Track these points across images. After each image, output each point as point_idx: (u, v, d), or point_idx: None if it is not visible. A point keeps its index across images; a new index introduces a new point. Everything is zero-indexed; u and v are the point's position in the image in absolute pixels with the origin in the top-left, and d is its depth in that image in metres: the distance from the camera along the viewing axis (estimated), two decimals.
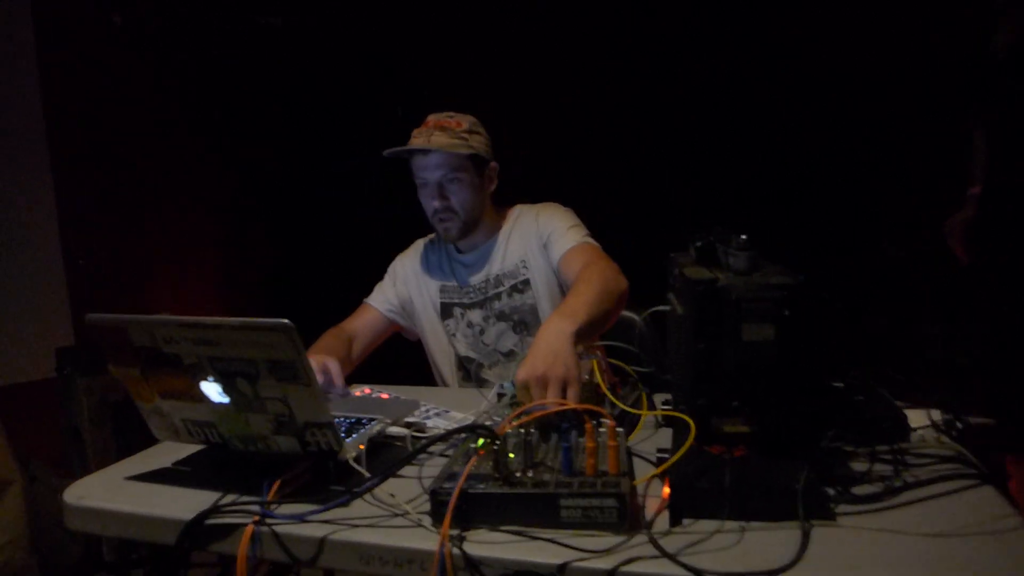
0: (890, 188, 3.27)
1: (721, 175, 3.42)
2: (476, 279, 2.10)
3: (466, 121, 2.00)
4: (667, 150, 3.50)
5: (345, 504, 1.18)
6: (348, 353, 2.02)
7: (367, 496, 1.21)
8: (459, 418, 1.55)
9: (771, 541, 1.01)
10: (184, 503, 1.21)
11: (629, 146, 3.56)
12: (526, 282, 2.05)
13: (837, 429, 1.25)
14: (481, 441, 1.19)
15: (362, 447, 1.32)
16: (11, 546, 2.37)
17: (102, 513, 1.28)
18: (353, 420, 1.46)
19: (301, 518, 1.14)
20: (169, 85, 3.75)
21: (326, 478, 1.25)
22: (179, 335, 1.22)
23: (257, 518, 1.14)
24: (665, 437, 1.36)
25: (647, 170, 3.52)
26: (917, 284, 3.13)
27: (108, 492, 1.33)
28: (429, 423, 1.52)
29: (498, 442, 1.13)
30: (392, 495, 1.18)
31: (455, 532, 1.06)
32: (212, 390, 1.26)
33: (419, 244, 2.25)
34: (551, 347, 1.43)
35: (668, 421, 1.45)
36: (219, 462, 1.38)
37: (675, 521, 1.08)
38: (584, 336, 1.52)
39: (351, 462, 1.26)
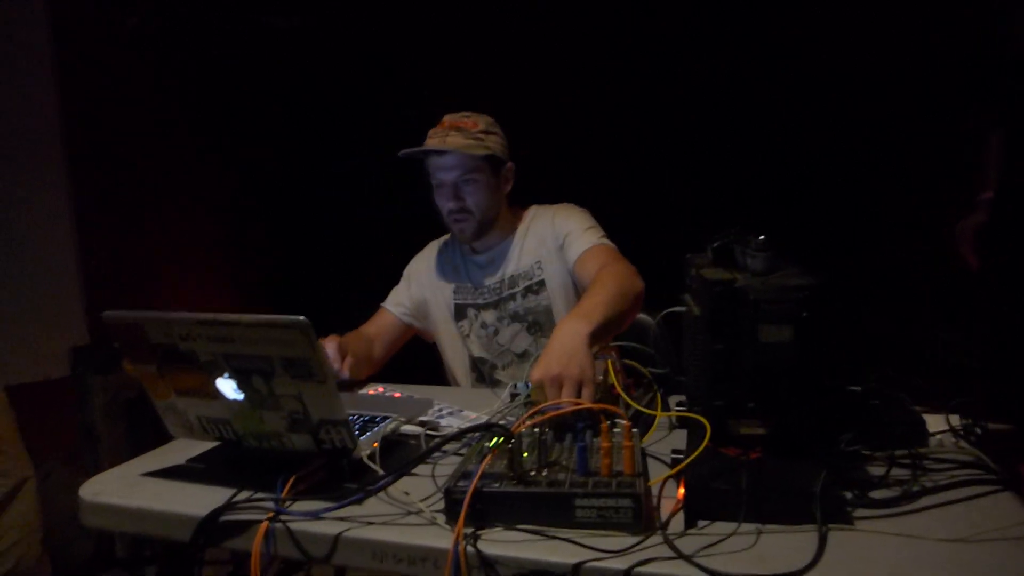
0: (899, 189, 3.25)
1: (735, 177, 3.40)
2: (490, 280, 2.09)
3: (482, 121, 1.99)
4: (680, 151, 3.49)
5: (359, 502, 1.18)
6: (369, 353, 2.03)
7: (381, 494, 1.21)
8: (473, 417, 1.55)
9: (787, 544, 1.00)
10: (198, 500, 1.21)
11: (643, 147, 3.55)
12: (541, 283, 2.04)
13: (854, 432, 1.24)
14: (495, 440, 1.19)
15: (376, 445, 1.32)
16: (24, 542, 2.39)
17: (117, 509, 1.28)
18: (367, 418, 1.46)
19: (315, 515, 1.14)
20: (171, 86, 3.77)
21: (340, 476, 1.25)
22: (195, 332, 1.23)
23: (271, 515, 1.14)
24: (679, 438, 1.36)
25: (660, 171, 3.51)
26: (930, 288, 3.10)
27: (124, 488, 1.33)
28: (443, 422, 1.52)
29: (512, 441, 1.13)
30: (406, 493, 1.18)
31: (469, 531, 1.05)
32: (227, 387, 1.26)
33: (433, 245, 2.25)
34: (566, 348, 1.43)
35: (682, 422, 1.44)
36: (233, 459, 1.38)
37: (690, 522, 1.07)
38: (599, 337, 1.52)
39: (365, 460, 1.27)
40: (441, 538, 1.05)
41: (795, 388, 1.14)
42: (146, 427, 1.91)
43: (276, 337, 1.16)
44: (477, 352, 2.13)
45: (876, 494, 1.11)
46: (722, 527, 1.05)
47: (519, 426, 1.21)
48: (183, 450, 1.45)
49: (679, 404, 1.54)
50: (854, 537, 1.02)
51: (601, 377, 1.43)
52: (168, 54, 3.73)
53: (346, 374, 1.82)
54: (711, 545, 1.00)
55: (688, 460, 1.13)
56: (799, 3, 3.31)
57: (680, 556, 0.97)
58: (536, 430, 1.18)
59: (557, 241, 2.03)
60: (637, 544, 1.01)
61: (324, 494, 1.19)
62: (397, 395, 1.78)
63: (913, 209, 3.11)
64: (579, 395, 1.38)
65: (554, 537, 1.03)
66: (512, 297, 2.07)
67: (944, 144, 2.95)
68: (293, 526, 1.13)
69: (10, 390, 2.48)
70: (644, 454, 1.27)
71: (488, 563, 1.01)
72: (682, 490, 1.10)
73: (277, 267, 4.20)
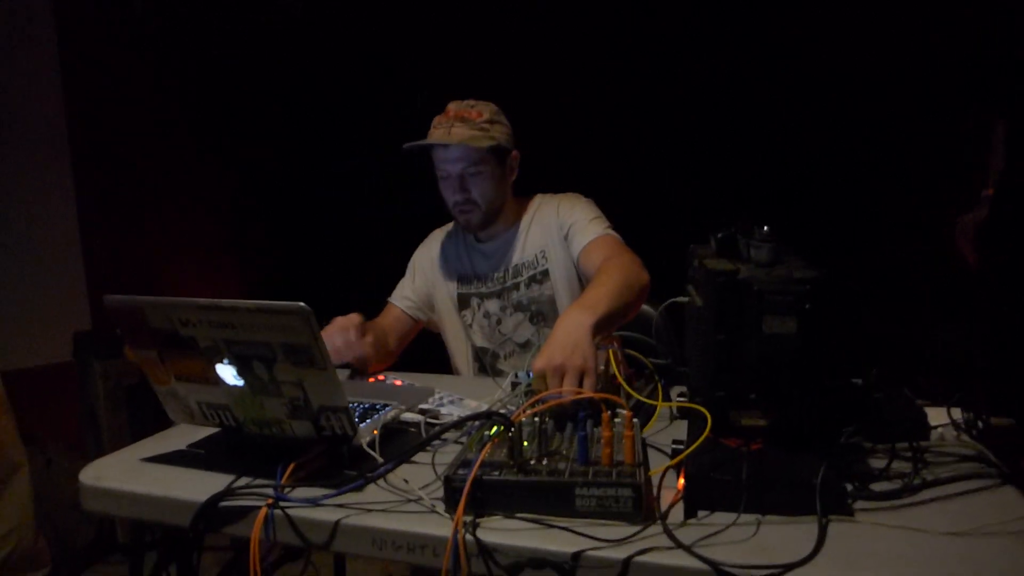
0: (899, 189, 3.24)
1: (736, 175, 3.40)
2: (494, 269, 2.09)
3: (487, 110, 1.97)
4: (683, 148, 3.48)
5: (359, 489, 1.18)
6: (386, 343, 2.03)
7: (380, 481, 1.21)
8: (473, 406, 1.55)
9: (787, 535, 1.00)
10: (198, 485, 1.21)
11: (646, 141, 3.53)
12: (545, 273, 2.04)
13: (856, 425, 1.24)
14: (496, 429, 1.19)
15: (376, 432, 1.32)
16: (20, 530, 2.38)
17: (117, 494, 1.29)
18: (368, 406, 1.46)
19: (315, 502, 1.14)
20: (171, 85, 3.80)
21: (340, 463, 1.25)
22: (196, 317, 1.22)
23: (271, 501, 1.14)
24: (680, 429, 1.35)
25: (663, 166, 3.50)
26: (930, 288, 3.10)
27: (124, 473, 1.33)
28: (443, 410, 1.52)
29: (513, 430, 1.13)
30: (406, 481, 1.18)
31: (469, 519, 1.05)
32: (228, 373, 1.26)
33: (437, 235, 2.24)
34: (570, 337, 1.43)
35: (683, 413, 1.44)
36: (234, 445, 1.38)
37: (690, 513, 1.07)
38: (603, 328, 1.52)
39: (365, 447, 1.27)
40: (440, 526, 1.05)
41: (797, 380, 1.14)
42: (148, 413, 1.91)
43: (277, 323, 1.16)
44: (480, 342, 2.12)
45: (877, 486, 1.11)
46: (722, 518, 1.05)
47: (519, 415, 1.21)
48: (183, 435, 1.46)
49: (680, 395, 1.54)
50: (854, 529, 1.01)
51: (602, 367, 1.43)
52: (168, 54, 3.75)
53: (366, 351, 1.84)
54: (711, 535, 1.00)
55: (689, 450, 1.13)
56: (799, 3, 3.30)
57: (679, 546, 0.96)
58: (537, 419, 1.18)
59: (562, 231, 2.03)
60: (636, 534, 1.00)
61: (324, 481, 1.19)
62: (398, 383, 1.78)
63: (913, 209, 3.10)
64: (581, 385, 1.37)
65: (553, 526, 1.03)
66: (516, 287, 2.06)
67: (944, 144, 2.94)
68: (292, 512, 1.13)
69: (8, 375, 2.48)
70: (645, 444, 1.26)
71: (487, 551, 1.01)
72: (682, 480, 1.10)
73: (277, 267, 4.22)
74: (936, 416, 1.33)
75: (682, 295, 1.48)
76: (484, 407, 1.48)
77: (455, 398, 1.60)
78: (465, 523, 1.04)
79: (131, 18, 3.57)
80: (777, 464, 1.10)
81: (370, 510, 1.12)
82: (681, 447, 1.17)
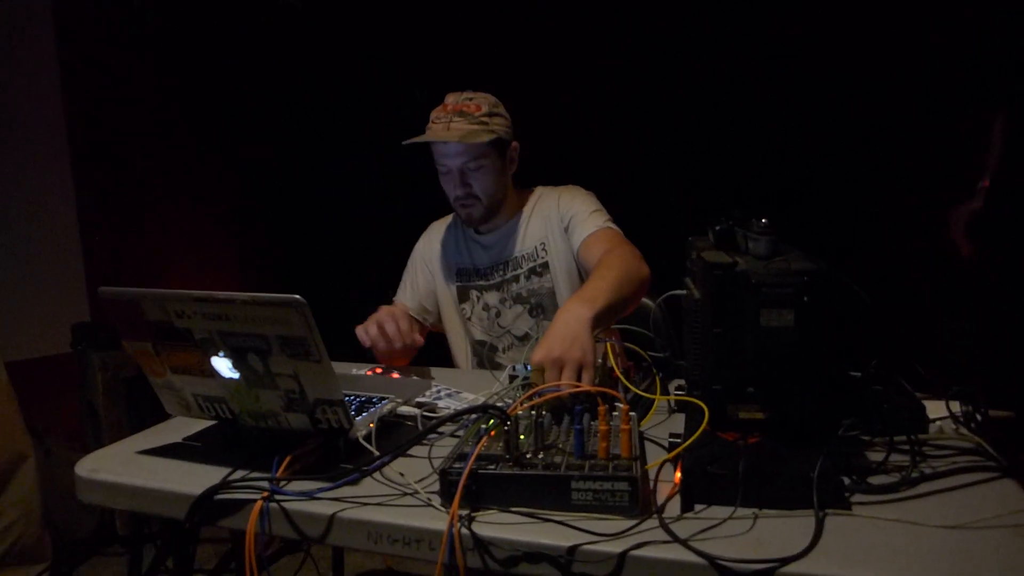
0: (899, 188, 3.23)
1: (736, 172, 3.39)
2: (494, 261, 2.08)
3: (486, 103, 1.95)
4: (682, 144, 3.48)
5: (355, 482, 1.18)
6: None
7: (376, 475, 1.21)
8: (470, 399, 1.54)
9: (784, 529, 0.99)
10: (194, 478, 1.21)
11: (646, 135, 3.53)
12: (545, 265, 2.03)
13: (854, 418, 1.23)
14: (492, 422, 1.18)
15: (372, 425, 1.31)
16: (24, 520, 2.39)
17: (113, 486, 1.28)
18: (364, 398, 1.46)
19: (310, 495, 1.14)
20: (171, 85, 3.79)
21: (336, 456, 1.24)
22: (191, 309, 1.22)
23: (266, 494, 1.14)
24: (678, 423, 1.35)
25: (662, 162, 3.49)
26: (930, 286, 3.09)
27: (119, 465, 1.33)
28: (440, 403, 1.52)
29: (509, 423, 1.12)
30: (402, 474, 1.18)
31: (464, 512, 1.05)
32: (223, 365, 1.25)
33: (437, 227, 2.22)
34: (569, 330, 1.42)
35: (681, 406, 1.43)
36: (229, 438, 1.38)
37: (687, 507, 1.07)
38: (602, 322, 1.51)
39: (361, 440, 1.26)
40: (436, 519, 1.05)
41: (795, 373, 1.13)
42: (146, 405, 1.91)
43: (272, 316, 1.15)
44: (478, 335, 2.12)
45: (875, 480, 1.11)
46: (719, 511, 1.04)
47: (516, 408, 1.21)
48: (180, 428, 1.45)
49: (678, 388, 1.54)
50: (852, 522, 1.01)
51: (600, 360, 1.43)
52: (168, 53, 3.75)
53: (417, 340, 1.83)
54: (707, 529, 1.00)
55: (686, 444, 1.13)
56: (799, 3, 3.29)
57: (676, 540, 0.96)
58: (533, 412, 1.18)
59: (562, 223, 2.02)
60: (633, 528, 1.00)
61: (319, 474, 1.19)
62: (395, 376, 1.77)
63: (913, 209, 3.09)
64: (579, 379, 1.37)
65: (549, 520, 1.03)
66: (515, 279, 2.06)
67: (944, 143, 2.93)
68: (288, 506, 1.13)
69: (11, 366, 2.48)
70: (642, 438, 1.26)
71: (483, 545, 1.01)
72: (679, 474, 1.10)
73: (277, 266, 4.22)
74: (935, 409, 1.32)
75: (678, 288, 1.47)
76: (481, 400, 1.48)
77: (452, 391, 1.59)
78: (461, 517, 1.04)
79: (131, 18, 3.57)
80: (774, 458, 1.10)
81: (366, 503, 1.12)
82: (679, 440, 1.17)
